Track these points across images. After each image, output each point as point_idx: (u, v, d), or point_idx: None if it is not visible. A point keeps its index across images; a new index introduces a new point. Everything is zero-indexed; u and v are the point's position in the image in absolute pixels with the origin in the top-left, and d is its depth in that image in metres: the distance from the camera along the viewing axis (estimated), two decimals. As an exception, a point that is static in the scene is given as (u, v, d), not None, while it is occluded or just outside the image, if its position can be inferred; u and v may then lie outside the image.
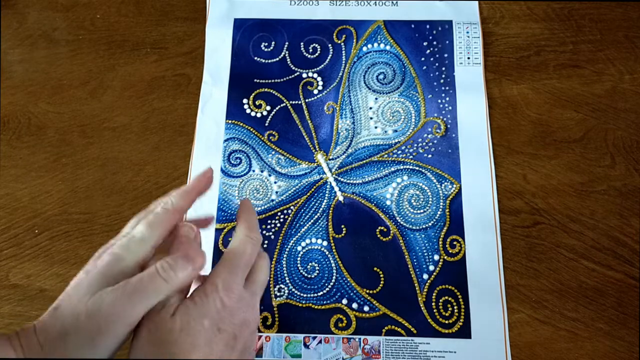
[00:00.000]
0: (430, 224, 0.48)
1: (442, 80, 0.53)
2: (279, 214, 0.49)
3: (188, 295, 0.31)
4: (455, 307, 0.46)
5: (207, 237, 0.49)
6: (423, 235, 0.48)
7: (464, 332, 0.45)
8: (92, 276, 0.29)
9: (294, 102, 0.53)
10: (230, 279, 0.31)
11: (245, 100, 0.54)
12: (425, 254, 0.47)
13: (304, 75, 0.54)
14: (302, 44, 0.56)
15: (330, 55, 0.55)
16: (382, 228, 0.48)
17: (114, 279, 0.29)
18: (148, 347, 0.28)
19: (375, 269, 0.47)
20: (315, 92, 0.54)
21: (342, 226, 0.49)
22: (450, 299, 0.46)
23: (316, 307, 0.46)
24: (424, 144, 0.51)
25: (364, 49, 0.55)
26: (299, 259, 0.48)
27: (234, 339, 0.30)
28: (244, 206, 0.36)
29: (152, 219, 0.31)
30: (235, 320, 0.31)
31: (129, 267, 0.30)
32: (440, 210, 0.49)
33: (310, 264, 0.48)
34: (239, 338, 0.31)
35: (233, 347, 0.31)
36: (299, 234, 0.49)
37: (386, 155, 0.51)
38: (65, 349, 0.27)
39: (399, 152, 0.51)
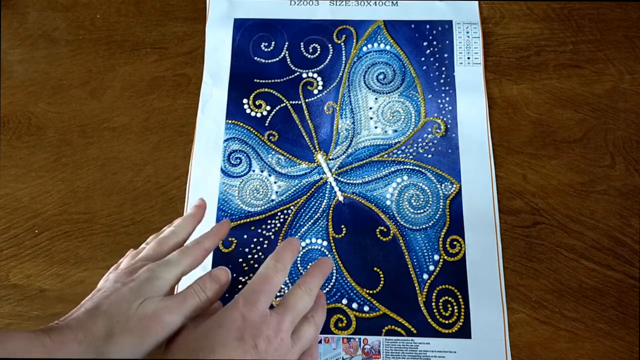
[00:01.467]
0: (430, 224, 0.48)
1: (442, 80, 0.53)
2: (279, 214, 0.50)
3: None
4: (455, 307, 0.46)
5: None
6: (423, 235, 0.48)
7: (464, 332, 0.45)
8: (134, 287, 0.33)
9: (294, 102, 0.53)
10: (253, 296, 0.33)
11: (245, 100, 0.54)
12: (425, 254, 0.47)
13: (304, 75, 0.54)
14: (302, 44, 0.56)
15: (330, 55, 0.55)
16: (382, 228, 0.48)
17: (154, 292, 0.33)
18: (179, 353, 0.32)
19: (375, 269, 0.47)
20: (315, 92, 0.54)
21: (342, 226, 0.49)
22: (450, 299, 0.46)
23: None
24: (424, 144, 0.51)
25: (364, 49, 0.55)
26: (299, 259, 0.48)
27: (254, 347, 0.31)
28: (284, 242, 0.38)
29: (187, 250, 0.36)
30: (258, 333, 0.32)
31: (163, 287, 0.34)
32: (440, 210, 0.49)
33: (310, 264, 0.48)
34: (261, 351, 0.31)
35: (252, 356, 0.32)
36: (299, 234, 0.49)
37: (386, 155, 0.51)
38: (109, 347, 0.30)
39: (399, 152, 0.51)
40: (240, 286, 0.47)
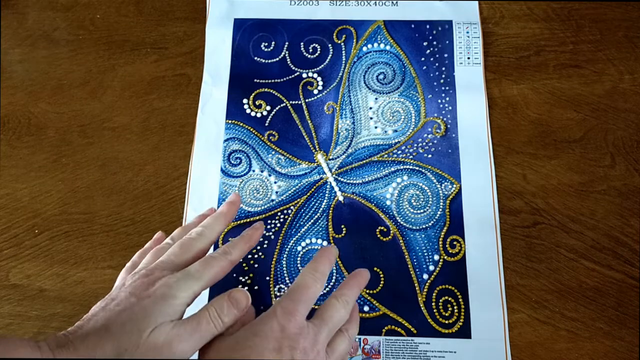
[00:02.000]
0: (430, 224, 0.48)
1: (442, 80, 0.53)
2: (279, 214, 0.50)
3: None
4: (455, 307, 0.46)
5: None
6: (423, 235, 0.48)
7: (464, 332, 0.45)
8: (148, 306, 0.30)
9: (294, 102, 0.53)
10: (291, 305, 0.32)
11: (245, 100, 0.54)
12: (425, 254, 0.47)
13: (304, 75, 0.54)
14: (302, 44, 0.56)
15: (330, 55, 0.55)
16: (382, 228, 0.48)
17: (168, 313, 0.31)
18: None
19: (375, 269, 0.47)
20: (315, 92, 0.54)
21: (342, 226, 0.49)
22: (450, 299, 0.46)
23: (316, 307, 0.46)
24: (424, 144, 0.51)
25: (364, 49, 0.55)
26: (299, 259, 0.48)
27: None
28: (322, 251, 0.37)
29: (211, 262, 0.34)
30: (295, 345, 0.31)
31: (179, 307, 0.31)
32: (440, 210, 0.49)
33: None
34: None
35: None
36: (299, 234, 0.49)
37: (386, 155, 0.51)
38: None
39: (399, 152, 0.51)
40: (240, 286, 0.47)
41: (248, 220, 0.49)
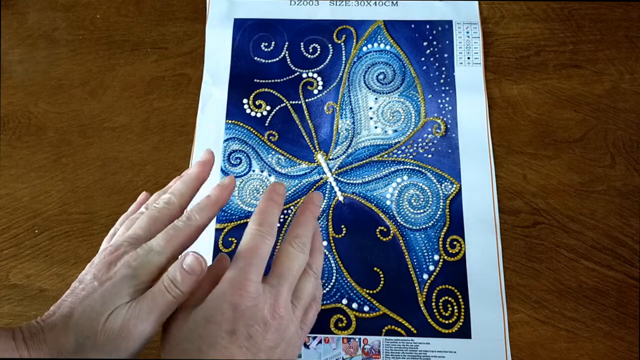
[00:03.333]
0: (430, 224, 0.48)
1: (442, 80, 0.53)
2: (279, 214, 0.49)
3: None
4: (455, 307, 0.46)
5: (207, 238, 0.48)
6: (423, 235, 0.48)
7: (464, 332, 0.45)
8: (107, 291, 0.29)
9: (294, 102, 0.53)
10: (240, 276, 0.29)
11: (245, 100, 0.54)
12: (425, 254, 0.47)
13: (304, 75, 0.54)
14: (302, 44, 0.56)
15: (330, 55, 0.55)
16: (382, 228, 0.48)
17: (127, 294, 0.29)
18: (171, 351, 0.30)
19: (375, 269, 0.47)
20: (315, 92, 0.54)
21: (342, 226, 0.49)
22: (450, 299, 0.46)
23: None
24: (424, 144, 0.51)
25: (364, 49, 0.55)
26: (299, 259, 0.48)
27: (248, 338, 0.29)
28: (266, 196, 0.33)
29: (172, 233, 0.31)
30: (251, 321, 0.29)
31: (140, 286, 0.30)
32: (440, 210, 0.49)
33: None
34: (257, 339, 0.29)
35: (251, 350, 0.29)
36: (299, 234, 0.49)
37: (386, 155, 0.51)
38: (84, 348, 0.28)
39: (399, 152, 0.51)
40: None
41: (248, 220, 0.49)
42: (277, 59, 0.55)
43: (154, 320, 0.29)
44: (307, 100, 0.54)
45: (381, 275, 0.47)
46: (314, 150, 0.52)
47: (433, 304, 0.46)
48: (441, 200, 0.49)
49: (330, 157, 0.51)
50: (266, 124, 0.53)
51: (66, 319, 0.29)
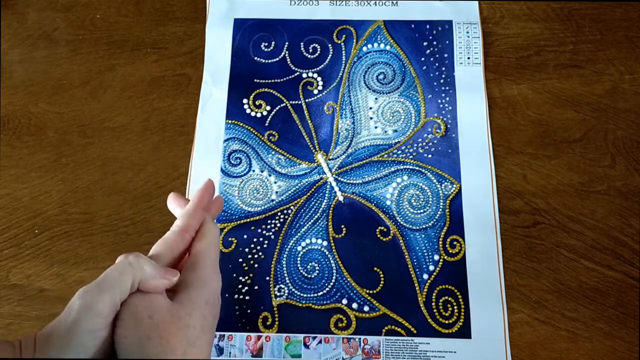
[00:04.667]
0: (430, 224, 0.48)
1: (442, 80, 0.53)
2: (279, 214, 0.49)
3: None
4: (455, 307, 0.46)
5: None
6: (423, 235, 0.48)
7: (464, 332, 0.45)
8: (90, 285, 0.30)
9: (294, 102, 0.53)
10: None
11: (245, 100, 0.54)
12: (425, 254, 0.47)
13: (304, 75, 0.54)
14: (302, 44, 0.56)
15: (330, 55, 0.55)
16: (382, 228, 0.48)
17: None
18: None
19: (375, 269, 0.47)
20: (315, 92, 0.54)
21: (342, 226, 0.49)
22: (450, 299, 0.46)
23: (316, 307, 0.46)
24: (424, 144, 0.51)
25: (364, 49, 0.55)
26: (299, 259, 0.48)
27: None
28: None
29: (161, 240, 0.33)
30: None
31: (131, 283, 0.30)
32: (440, 210, 0.49)
33: (310, 264, 0.48)
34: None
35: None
36: (299, 234, 0.49)
37: (386, 155, 0.51)
38: (47, 349, 0.28)
39: (399, 152, 0.51)
40: (240, 286, 0.47)
41: (248, 220, 0.49)
42: (277, 59, 0.55)
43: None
44: (307, 100, 0.54)
45: (381, 275, 0.47)
46: (314, 150, 0.52)
47: (433, 304, 0.46)
48: (441, 200, 0.49)
49: (330, 157, 0.51)
50: (266, 124, 0.53)
51: (52, 336, 0.28)
